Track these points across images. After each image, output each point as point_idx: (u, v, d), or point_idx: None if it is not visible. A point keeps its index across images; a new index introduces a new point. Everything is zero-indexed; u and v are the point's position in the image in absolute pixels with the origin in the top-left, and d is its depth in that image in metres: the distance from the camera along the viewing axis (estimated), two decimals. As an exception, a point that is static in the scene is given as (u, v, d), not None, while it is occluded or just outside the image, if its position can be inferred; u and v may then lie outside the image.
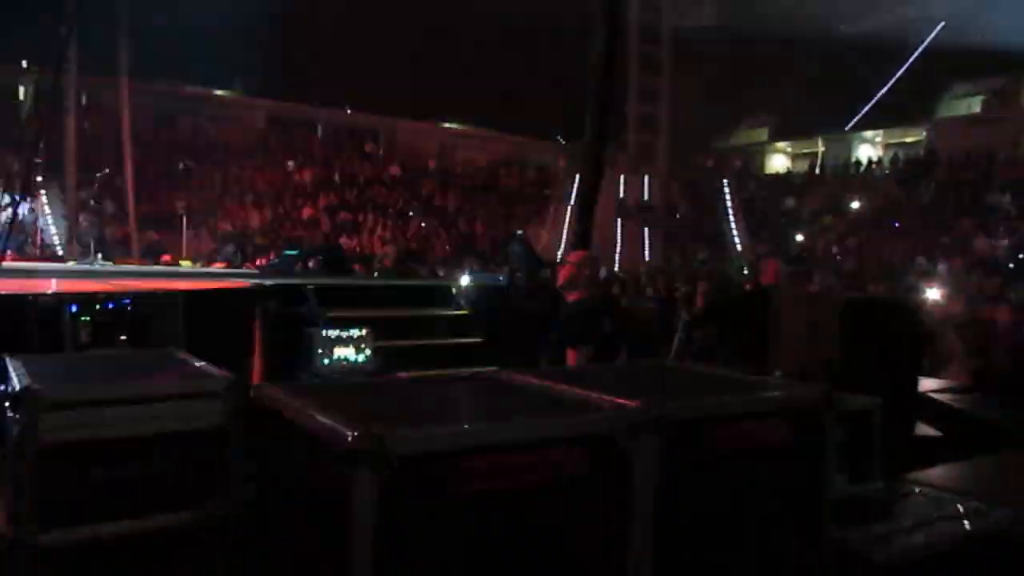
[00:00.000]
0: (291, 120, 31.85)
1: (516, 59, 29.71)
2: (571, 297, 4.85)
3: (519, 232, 13.78)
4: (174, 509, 1.83)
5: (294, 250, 12.00)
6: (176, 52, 24.81)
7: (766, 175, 35.22)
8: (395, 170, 30.90)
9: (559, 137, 34.05)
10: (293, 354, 5.83)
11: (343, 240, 24.15)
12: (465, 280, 10.42)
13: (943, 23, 30.43)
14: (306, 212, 26.56)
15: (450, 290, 7.96)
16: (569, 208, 26.62)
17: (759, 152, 37.20)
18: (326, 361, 5.65)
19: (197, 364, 2.17)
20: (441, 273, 14.40)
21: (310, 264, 10.54)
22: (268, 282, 6.30)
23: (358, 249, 23.91)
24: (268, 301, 6.14)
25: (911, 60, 31.08)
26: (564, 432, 1.66)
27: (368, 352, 5.66)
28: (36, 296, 4.00)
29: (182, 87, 29.26)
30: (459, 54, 30.75)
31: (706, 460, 1.95)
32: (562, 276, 4.95)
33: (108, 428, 1.74)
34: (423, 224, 28.18)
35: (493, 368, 2.72)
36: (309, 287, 6.51)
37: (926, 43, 30.86)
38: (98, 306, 4.05)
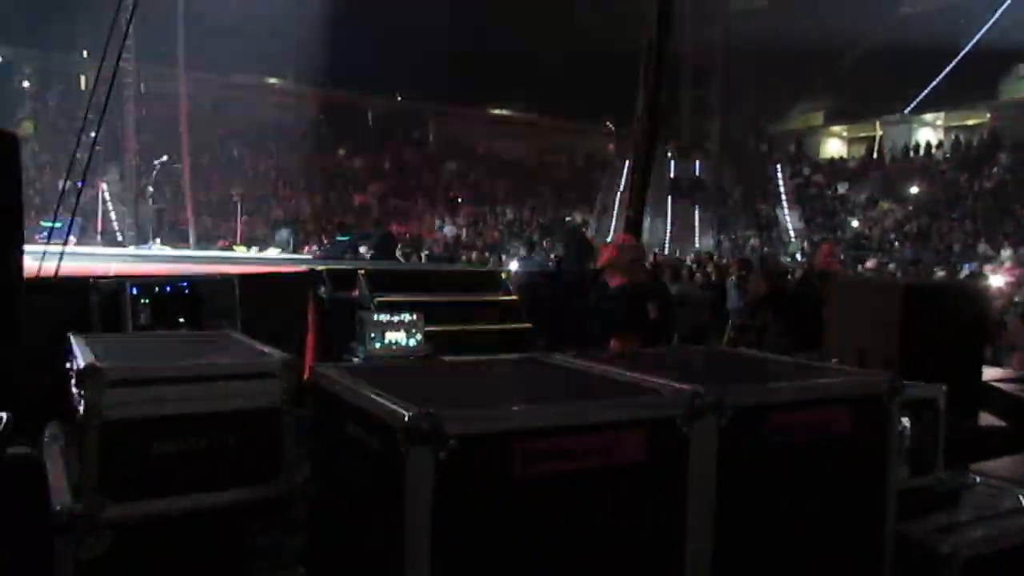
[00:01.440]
0: (342, 108, 32.16)
1: (566, 44, 29.47)
2: (613, 282, 4.73)
3: (569, 218, 13.71)
4: (236, 486, 1.86)
5: (345, 236, 12.15)
6: (230, 41, 25.22)
7: (821, 160, 34.41)
8: (451, 166, 30.91)
9: (608, 123, 33.74)
10: (345, 338, 5.91)
11: (394, 226, 24.37)
12: (514, 266, 10.45)
13: (1008, 1, 29.26)
14: (357, 199, 26.87)
15: (500, 276, 7.98)
16: (619, 194, 26.42)
17: (814, 136, 36.36)
18: (377, 345, 5.71)
19: (253, 345, 2.20)
20: (491, 258, 14.45)
21: (361, 250, 10.66)
22: (321, 267, 6.39)
23: (408, 235, 24.11)
24: (321, 285, 6.24)
25: (974, 40, 29.96)
26: (623, 415, 1.64)
27: (419, 336, 5.70)
28: (98, 279, 4.10)
29: (235, 76, 29.77)
30: (508, 40, 30.63)
31: (767, 447, 1.91)
32: (604, 259, 4.81)
33: (168, 405, 1.77)
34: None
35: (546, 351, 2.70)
36: (361, 272, 6.59)
37: (991, 22, 29.72)
38: (157, 289, 4.15)
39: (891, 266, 16.64)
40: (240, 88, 30.58)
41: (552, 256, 12.14)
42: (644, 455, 1.69)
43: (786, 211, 29.19)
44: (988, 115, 30.24)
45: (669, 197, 28.61)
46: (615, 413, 1.64)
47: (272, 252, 16.26)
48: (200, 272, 5.01)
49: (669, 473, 1.71)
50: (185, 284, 4.11)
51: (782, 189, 30.09)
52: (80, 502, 1.78)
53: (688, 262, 15.57)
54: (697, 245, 24.68)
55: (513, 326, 7.36)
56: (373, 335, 5.76)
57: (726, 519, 1.81)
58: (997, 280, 9.66)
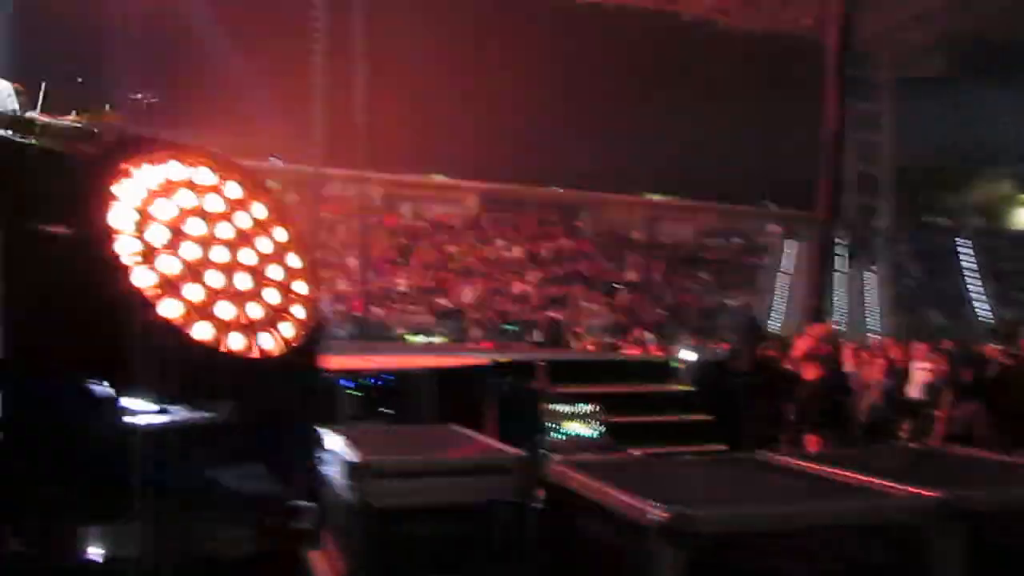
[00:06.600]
0: (502, 200, 33.45)
1: (719, 126, 29.41)
2: (809, 375, 4.58)
3: (739, 304, 13.44)
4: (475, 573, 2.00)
5: (513, 325, 12.54)
6: (403, 147, 27.07)
7: (1014, 231, 31.78)
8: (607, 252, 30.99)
9: (769, 203, 33.04)
10: (525, 428, 6.04)
11: (552, 313, 24.73)
12: (684, 355, 10.33)
13: None
14: (516, 287, 27.61)
15: (670, 365, 7.91)
16: (785, 276, 25.62)
17: (1003, 207, 33.75)
18: (557, 436, 5.81)
19: (481, 439, 2.36)
20: (654, 346, 14.33)
21: (529, 338, 10.96)
22: (503, 358, 6.61)
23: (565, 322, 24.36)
24: (503, 376, 6.44)
25: None
26: (866, 520, 1.64)
27: (600, 428, 5.75)
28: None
29: (404, 175, 31.84)
30: (662, 125, 30.97)
31: (1012, 554, 1.82)
32: (800, 349, 4.69)
33: (424, 495, 1.95)
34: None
35: (719, 447, 2.69)
36: (540, 363, 6.75)
37: None
38: (363, 380, 4.48)
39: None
40: (407, 185, 32.56)
41: (722, 344, 11.90)
42: (883, 561, 1.67)
43: (973, 288, 27.11)
44: None
45: (838, 274, 27.36)
46: (860, 517, 1.64)
47: (438, 340, 16.95)
48: (394, 365, 5.33)
49: (912, 580, 1.68)
50: (392, 377, 4.42)
51: (969, 264, 28.05)
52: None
53: (867, 345, 14.70)
54: (876, 326, 23.30)
55: (691, 417, 7.24)
56: (553, 425, 5.87)
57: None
58: None
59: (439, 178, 33.89)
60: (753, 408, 7.73)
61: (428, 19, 24.86)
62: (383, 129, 24.22)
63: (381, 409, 4.39)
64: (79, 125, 4.70)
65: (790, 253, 28.42)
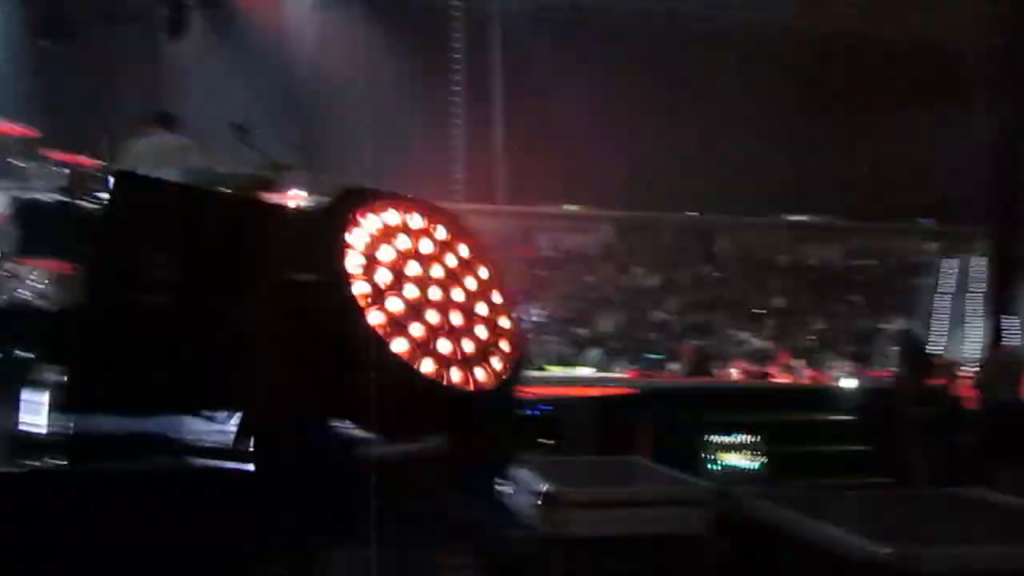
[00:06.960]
0: (638, 227, 33.12)
1: (866, 140, 27.99)
2: (988, 402, 4.28)
3: (895, 327, 12.72)
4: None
5: (659, 355, 12.41)
6: (538, 179, 27.43)
7: None
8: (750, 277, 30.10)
9: (927, 220, 31.04)
10: (680, 459, 5.95)
11: (695, 341, 24.16)
12: (843, 382, 9.87)
13: None
14: (656, 315, 27.17)
15: (825, 393, 7.60)
16: (945, 296, 23.94)
17: None
18: (713, 467, 5.68)
19: (664, 471, 2.36)
20: (805, 373, 13.79)
21: (674, 367, 10.79)
22: (652, 387, 6.58)
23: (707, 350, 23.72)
24: (654, 406, 6.40)
25: None
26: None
27: (760, 458, 5.58)
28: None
29: (539, 207, 32.15)
30: (805, 142, 29.82)
31: None
32: (981, 375, 4.39)
33: (614, 526, 1.97)
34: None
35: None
36: (691, 392, 6.68)
37: None
38: (522, 411, 4.56)
39: None
40: (542, 217, 32.84)
41: (881, 370, 11.26)
42: None
43: None
44: None
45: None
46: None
47: (584, 371, 16.90)
48: (548, 393, 5.41)
49: None
50: (550, 407, 4.49)
51: None
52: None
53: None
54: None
55: (850, 448, 6.92)
56: (710, 457, 5.75)
57: None
58: None
59: (574, 208, 34.04)
60: (924, 439, 7.28)
61: (561, 50, 25.20)
62: (518, 162, 24.72)
63: (540, 440, 4.46)
64: (259, 174, 5.08)
65: (951, 272, 26.56)
